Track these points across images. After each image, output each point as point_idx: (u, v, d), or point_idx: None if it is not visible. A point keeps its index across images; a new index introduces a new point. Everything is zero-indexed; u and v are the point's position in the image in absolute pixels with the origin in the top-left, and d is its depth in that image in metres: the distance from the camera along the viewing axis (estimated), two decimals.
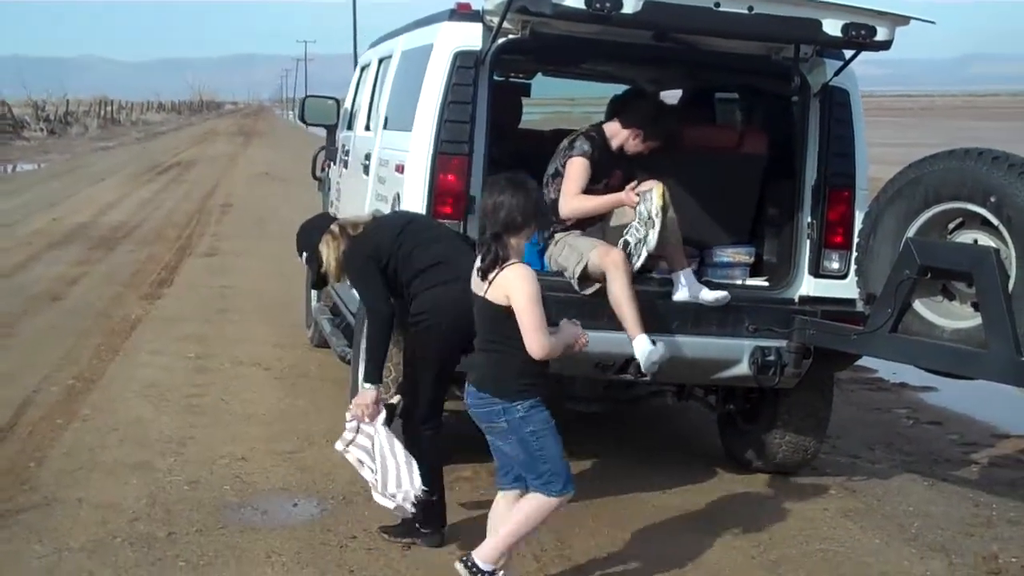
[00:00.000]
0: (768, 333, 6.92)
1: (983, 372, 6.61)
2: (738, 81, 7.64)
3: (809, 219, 7.15)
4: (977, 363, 6.46)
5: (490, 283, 5.14)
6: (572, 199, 7.00)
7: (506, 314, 5.10)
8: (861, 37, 6.27)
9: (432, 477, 6.04)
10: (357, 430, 5.97)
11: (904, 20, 6.31)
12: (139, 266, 15.66)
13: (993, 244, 6.45)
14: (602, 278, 6.67)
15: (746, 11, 6.15)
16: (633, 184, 6.93)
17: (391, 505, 5.90)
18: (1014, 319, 6.25)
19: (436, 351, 6.00)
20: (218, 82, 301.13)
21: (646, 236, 6.75)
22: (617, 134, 7.09)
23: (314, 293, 10.44)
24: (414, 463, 5.83)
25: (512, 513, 5.32)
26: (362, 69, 10.00)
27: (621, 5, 6.00)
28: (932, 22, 6.44)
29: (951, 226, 6.65)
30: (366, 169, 8.17)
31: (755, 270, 7.45)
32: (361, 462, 6.00)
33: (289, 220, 9.43)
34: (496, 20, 6.73)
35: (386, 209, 7.27)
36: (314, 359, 10.25)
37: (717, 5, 6.13)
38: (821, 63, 7.16)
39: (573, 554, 6.19)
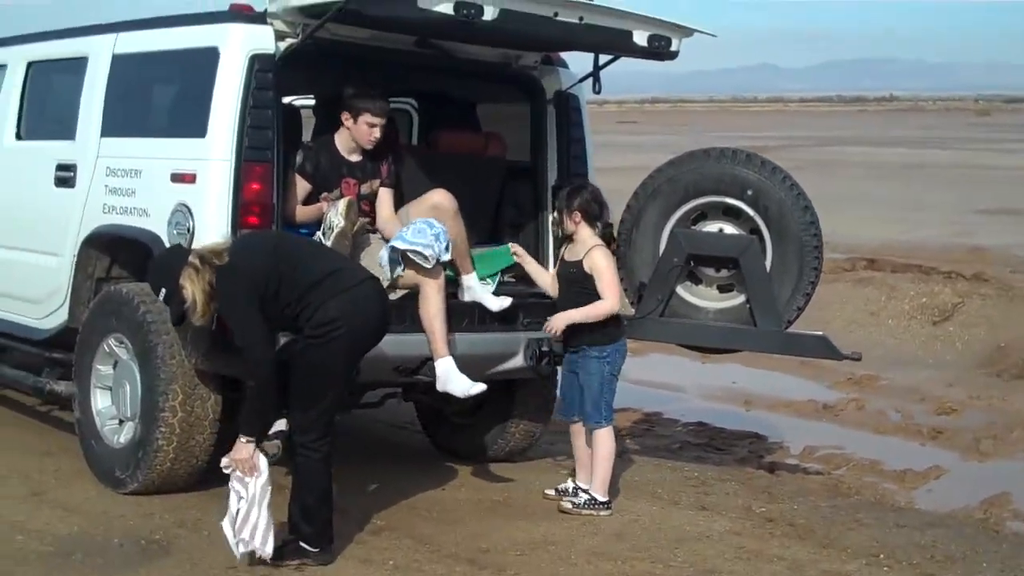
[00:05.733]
0: (539, 325, 7.28)
1: (753, 345, 7.55)
2: (483, 87, 7.90)
3: (552, 217, 7.60)
4: (747, 338, 7.38)
5: None
6: (291, 210, 6.91)
7: None
8: (660, 47, 6.87)
9: (323, 497, 5.89)
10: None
11: (689, 32, 6.99)
12: None
13: (737, 231, 7.39)
14: (415, 288, 6.72)
15: (577, 21, 6.54)
16: (332, 195, 6.95)
17: (231, 541, 5.73)
18: (775, 297, 7.25)
19: (345, 360, 5.86)
20: None
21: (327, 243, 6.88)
22: (348, 130, 6.97)
23: None
24: (272, 533, 5.72)
25: None
26: None
27: (483, 12, 6.16)
28: (714, 35, 7.17)
29: (693, 217, 7.47)
30: (65, 181, 7.41)
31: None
32: (234, 490, 5.73)
33: None
34: (280, 23, 6.63)
35: (133, 223, 6.85)
36: None
37: (556, 15, 6.46)
38: (554, 71, 7.68)
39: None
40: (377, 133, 6.87)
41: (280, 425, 5.92)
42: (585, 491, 6.96)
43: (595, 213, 7.02)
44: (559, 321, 6.93)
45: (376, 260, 6.71)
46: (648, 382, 10.89)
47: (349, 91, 6.90)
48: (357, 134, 6.86)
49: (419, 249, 6.52)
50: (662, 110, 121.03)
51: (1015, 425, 9.65)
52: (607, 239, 7.10)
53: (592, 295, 6.93)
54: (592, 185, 7.19)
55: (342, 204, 6.65)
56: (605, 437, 7.00)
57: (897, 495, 8.02)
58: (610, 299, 6.89)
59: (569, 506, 6.96)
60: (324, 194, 6.82)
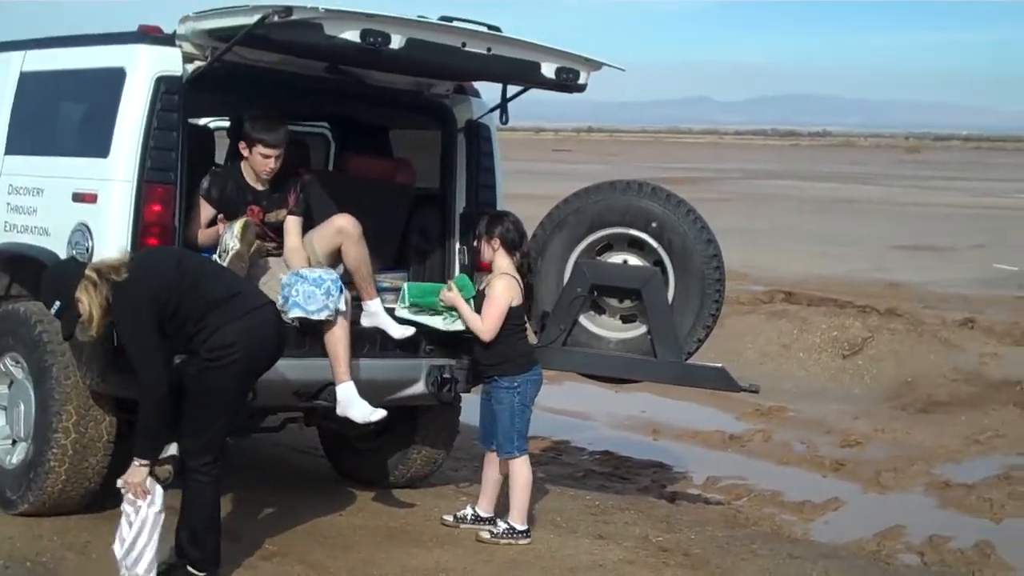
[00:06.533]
0: (441, 352, 7.32)
1: (653, 376, 7.64)
2: (395, 114, 7.93)
3: (459, 245, 7.65)
4: (647, 368, 7.46)
5: None
6: (193, 233, 6.91)
7: None
8: (568, 79, 6.93)
9: (212, 522, 5.89)
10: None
11: (597, 66, 7.07)
12: None
13: (641, 263, 7.49)
14: None
15: (485, 52, 6.59)
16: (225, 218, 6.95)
17: (119, 558, 5.70)
18: (677, 329, 7.34)
19: (239, 385, 5.84)
20: None
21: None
22: (247, 159, 7.02)
23: None
24: (156, 561, 5.70)
25: None
26: None
27: (390, 40, 6.20)
28: (622, 69, 7.24)
29: (599, 248, 7.55)
30: None
31: None
32: (125, 513, 5.71)
33: None
34: (189, 45, 6.64)
35: (33, 241, 6.82)
36: None
37: (464, 45, 6.51)
38: (466, 100, 7.73)
39: None
40: (272, 164, 6.84)
41: (172, 449, 5.88)
42: (504, 520, 6.99)
43: (514, 242, 7.05)
44: (453, 298, 7.00)
45: (278, 283, 6.70)
46: (559, 410, 10.94)
47: (247, 120, 6.92)
48: (253, 164, 6.86)
49: (313, 317, 6.53)
50: (598, 139, 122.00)
51: (916, 458, 9.81)
52: (524, 269, 7.13)
53: None
54: (512, 215, 7.22)
55: (237, 226, 6.63)
56: (520, 467, 7.02)
57: (794, 526, 8.14)
58: (485, 323, 6.91)
59: (487, 536, 6.97)
60: (220, 216, 6.81)
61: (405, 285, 7.23)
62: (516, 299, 7.00)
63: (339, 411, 6.78)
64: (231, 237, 6.58)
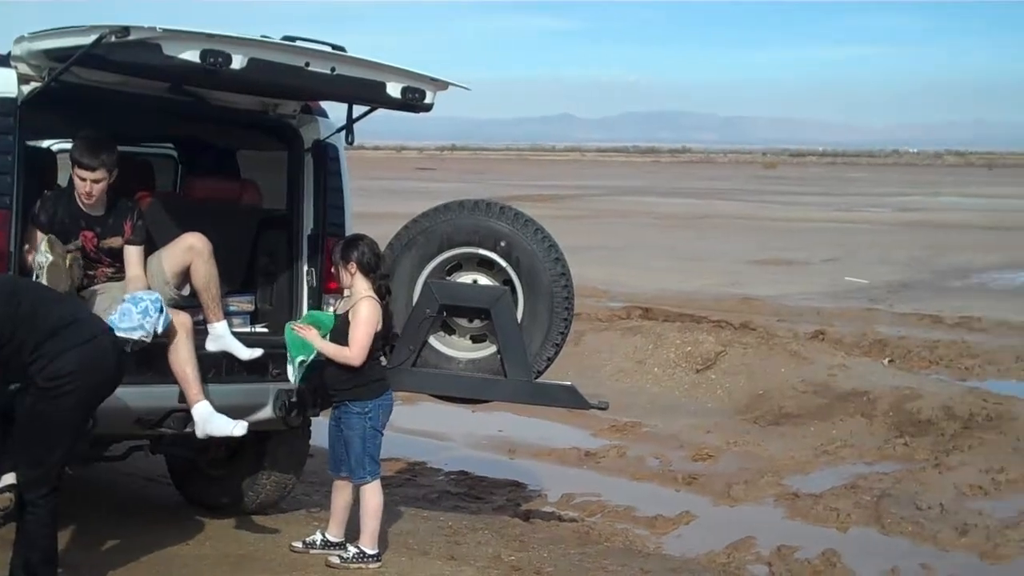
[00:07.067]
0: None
1: (503, 395, 7.64)
2: (241, 135, 7.82)
3: (307, 267, 7.59)
4: (497, 388, 7.47)
5: None
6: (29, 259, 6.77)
7: None
8: (414, 99, 6.92)
9: (49, 554, 5.76)
10: None
11: (443, 85, 7.07)
12: None
13: (491, 282, 7.50)
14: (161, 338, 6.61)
15: (329, 72, 6.55)
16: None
17: None
18: (526, 348, 7.36)
19: (77, 415, 5.71)
20: None
21: None
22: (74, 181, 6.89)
23: None
24: None
25: None
26: None
27: (231, 60, 6.13)
28: (468, 88, 7.25)
29: (449, 268, 7.55)
30: None
31: (256, 317, 7.70)
32: None
33: None
34: (25, 66, 6.50)
35: None
36: None
37: (307, 65, 6.45)
38: (313, 120, 7.67)
39: None
40: (88, 187, 6.68)
41: (9, 478, 5.73)
42: (355, 544, 6.92)
43: (371, 265, 6.99)
44: (306, 332, 6.89)
45: (114, 306, 6.56)
46: (416, 431, 10.91)
47: (73, 142, 6.79)
48: (76, 187, 6.72)
49: (130, 336, 6.37)
50: (461, 157, 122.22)
51: (766, 470, 9.97)
52: (382, 291, 7.09)
53: None
54: (368, 237, 7.16)
55: (43, 244, 6.50)
56: (372, 491, 6.96)
57: (646, 541, 8.20)
58: (353, 350, 6.84)
59: (337, 560, 6.89)
60: (27, 247, 6.59)
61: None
62: (379, 322, 6.96)
63: (199, 431, 6.66)
64: (40, 254, 6.46)
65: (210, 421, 6.64)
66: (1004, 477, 9.64)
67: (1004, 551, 8.08)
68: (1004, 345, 15.66)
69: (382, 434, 7.05)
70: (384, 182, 55.66)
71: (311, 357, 6.92)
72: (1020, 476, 9.67)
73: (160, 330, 6.46)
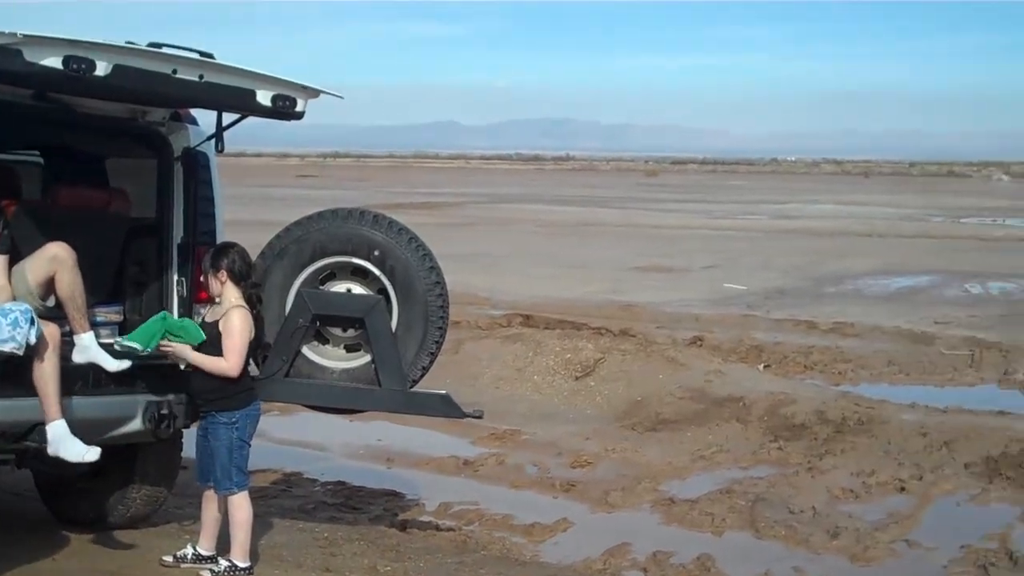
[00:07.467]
0: (160, 388, 7.11)
1: (377, 405, 7.58)
2: (109, 142, 7.66)
3: (177, 276, 7.46)
4: (371, 397, 7.41)
5: None
6: None
7: None
8: (285, 107, 6.84)
9: None
10: None
11: (315, 93, 7.00)
12: None
13: (365, 291, 7.44)
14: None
15: (197, 79, 6.44)
16: None
17: None
18: (400, 357, 7.32)
19: None
20: None
21: None
22: None
23: None
24: None
25: None
26: None
27: (95, 67, 6.01)
28: (341, 96, 7.18)
29: (323, 277, 7.48)
30: None
31: (124, 327, 7.54)
32: None
33: None
34: None
35: None
36: None
37: (175, 72, 6.35)
38: (183, 128, 7.55)
39: None
40: None
41: None
42: (226, 558, 6.82)
43: (242, 273, 6.90)
44: (178, 350, 6.77)
45: None
46: (292, 441, 10.79)
47: None
48: None
49: (1, 349, 6.21)
50: (344, 164, 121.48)
51: (644, 476, 10.04)
52: (253, 300, 6.98)
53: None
54: (238, 245, 7.05)
55: None
56: (240, 503, 6.86)
57: (524, 549, 8.20)
58: (230, 360, 6.75)
59: (208, 574, 6.78)
60: None
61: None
62: (251, 331, 6.87)
63: (50, 451, 6.49)
64: None
65: (63, 442, 6.45)
66: (874, 480, 9.85)
67: (873, 553, 8.23)
68: (877, 350, 16.00)
69: (249, 445, 6.96)
70: (262, 189, 55.12)
71: (144, 351, 6.78)
72: (890, 479, 9.88)
73: (32, 341, 6.30)
